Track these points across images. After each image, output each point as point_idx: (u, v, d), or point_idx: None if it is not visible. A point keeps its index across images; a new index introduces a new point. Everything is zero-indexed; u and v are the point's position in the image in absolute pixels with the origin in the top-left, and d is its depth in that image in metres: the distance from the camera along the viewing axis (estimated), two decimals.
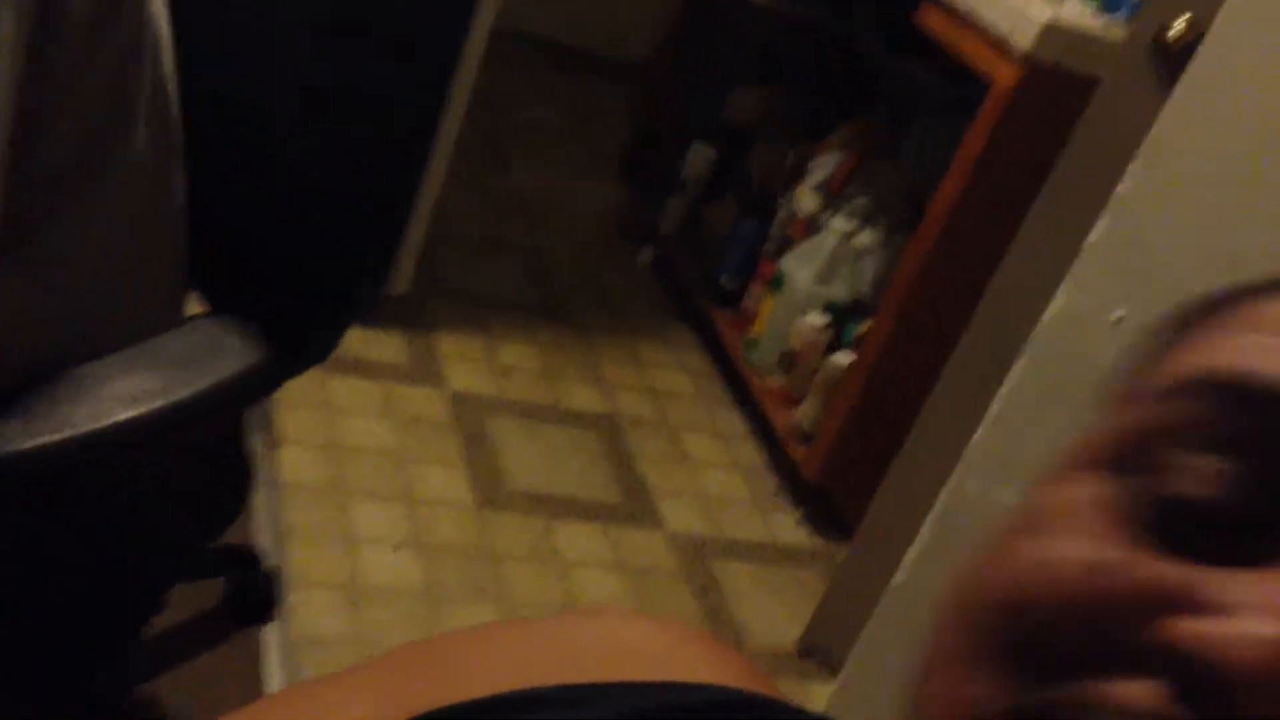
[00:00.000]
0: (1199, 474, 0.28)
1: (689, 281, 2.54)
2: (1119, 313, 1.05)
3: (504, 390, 2.15)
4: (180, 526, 1.14)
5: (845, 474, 2.03)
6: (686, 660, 0.46)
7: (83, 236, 0.86)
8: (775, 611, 1.90)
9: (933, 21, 1.95)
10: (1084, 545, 0.29)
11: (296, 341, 1.15)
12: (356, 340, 2.11)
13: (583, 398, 2.20)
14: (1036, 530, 0.30)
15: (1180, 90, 1.01)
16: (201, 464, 1.13)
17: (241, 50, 1.03)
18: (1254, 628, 0.25)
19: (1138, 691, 0.26)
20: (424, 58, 1.14)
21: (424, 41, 1.14)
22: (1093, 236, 1.09)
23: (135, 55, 0.83)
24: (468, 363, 2.18)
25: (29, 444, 0.81)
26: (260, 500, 1.74)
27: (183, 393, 0.87)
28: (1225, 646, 0.24)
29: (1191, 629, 0.25)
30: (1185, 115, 1.01)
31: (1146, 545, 0.28)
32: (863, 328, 2.12)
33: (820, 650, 1.81)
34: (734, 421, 2.30)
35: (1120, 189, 1.07)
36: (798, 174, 2.40)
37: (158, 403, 0.85)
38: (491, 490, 1.92)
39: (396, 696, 0.46)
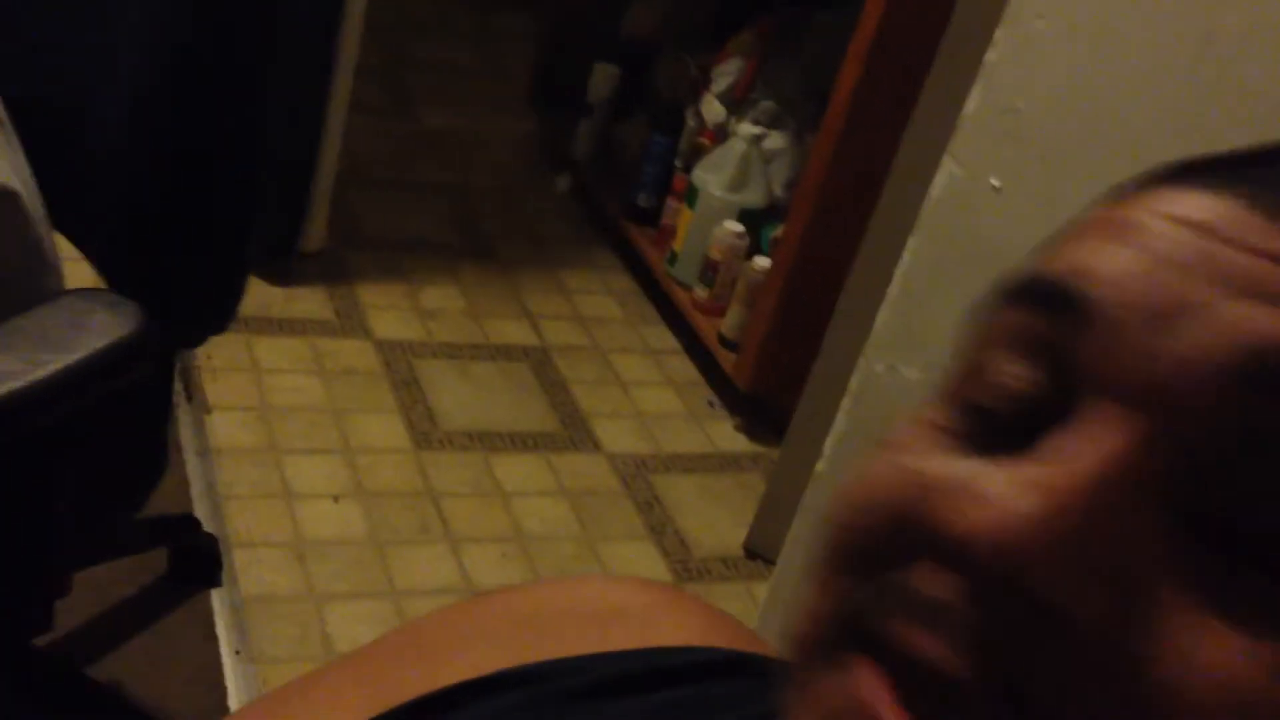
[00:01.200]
0: (998, 377, 0.29)
1: (607, 204, 2.54)
2: (996, 182, 1.07)
3: (432, 333, 2.15)
4: (83, 499, 1.13)
5: (775, 377, 2.05)
6: (671, 622, 0.46)
7: None
8: (719, 518, 1.93)
9: None
10: (905, 456, 0.30)
11: (190, 310, 1.15)
12: (279, 298, 2.10)
13: (511, 332, 2.21)
14: (880, 450, 0.31)
15: None
16: (106, 435, 1.13)
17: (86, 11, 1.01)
18: (1004, 506, 0.25)
19: (924, 578, 0.27)
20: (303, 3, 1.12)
21: None
22: (968, 107, 1.10)
23: None
24: (392, 310, 2.17)
25: None
26: (194, 467, 1.74)
27: (43, 372, 0.86)
28: (971, 527, 0.25)
29: (946, 515, 0.26)
30: None
31: (950, 451, 0.29)
32: (778, 231, 2.13)
33: (765, 551, 1.84)
34: (663, 338, 2.31)
35: (988, 56, 1.08)
36: (702, 83, 2.40)
37: (16, 384, 0.84)
38: (428, 432, 1.93)
39: (385, 687, 0.45)
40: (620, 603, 0.47)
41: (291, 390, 1.93)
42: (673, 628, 0.46)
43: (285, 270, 2.15)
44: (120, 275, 1.07)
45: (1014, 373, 0.29)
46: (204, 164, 1.07)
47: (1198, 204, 0.29)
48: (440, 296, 2.25)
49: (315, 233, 2.21)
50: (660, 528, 1.88)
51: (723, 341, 2.14)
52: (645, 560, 1.81)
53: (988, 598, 0.25)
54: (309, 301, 2.13)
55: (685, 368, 2.25)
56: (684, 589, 0.52)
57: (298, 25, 1.18)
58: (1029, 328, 0.29)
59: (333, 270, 2.21)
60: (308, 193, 2.14)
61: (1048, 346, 0.28)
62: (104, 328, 0.91)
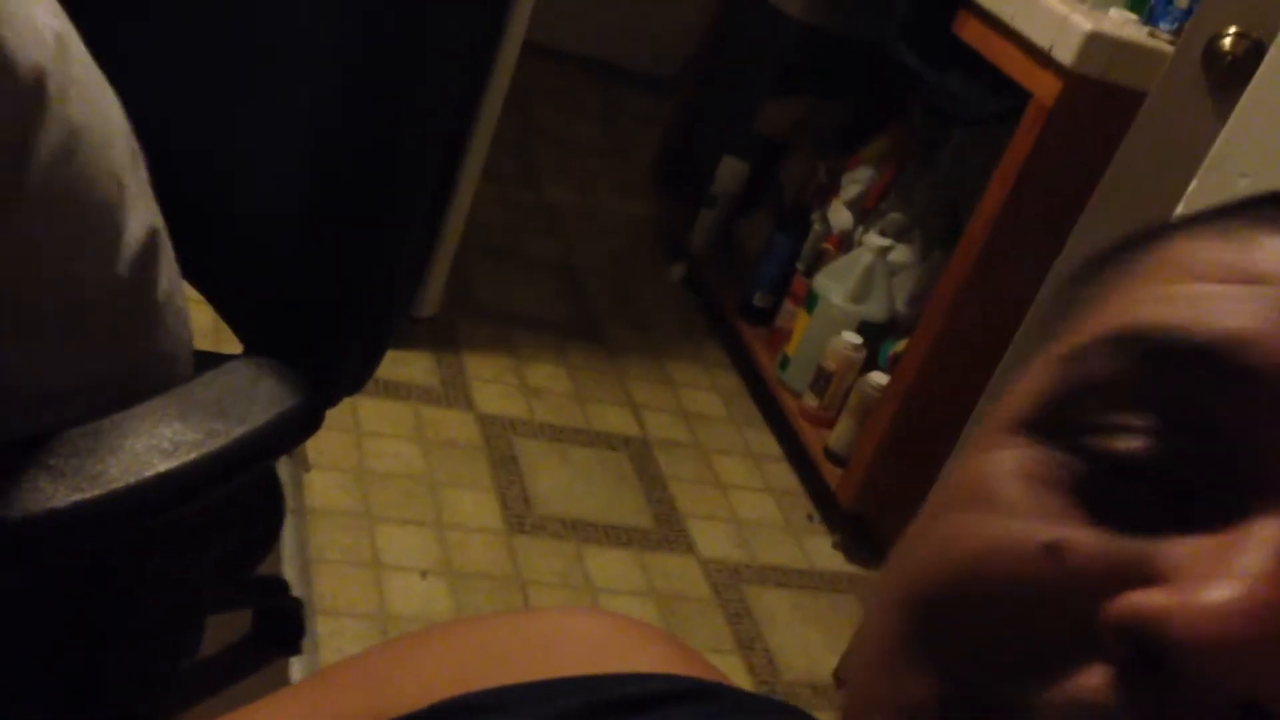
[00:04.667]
0: (1124, 434, 0.27)
1: (721, 298, 2.50)
2: None
3: (534, 411, 2.11)
4: (215, 565, 1.11)
5: (881, 498, 1.98)
6: (629, 651, 0.45)
7: None
8: (812, 640, 1.85)
9: (970, 32, 1.91)
10: (1015, 520, 0.27)
11: (332, 375, 1.12)
12: (386, 361, 2.07)
13: (613, 419, 2.17)
14: (962, 506, 0.29)
15: (1243, 107, 0.97)
16: (237, 500, 1.10)
17: (249, 79, 1.00)
18: (1206, 594, 0.23)
19: (1087, 682, 0.24)
20: (445, 76, 1.11)
21: (446, 59, 1.11)
22: None
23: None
24: (497, 384, 2.15)
25: (62, 502, 0.77)
26: (288, 527, 1.71)
27: (221, 442, 0.83)
28: (1177, 616, 0.23)
29: (1142, 602, 0.24)
30: (1247, 132, 0.96)
31: (1077, 516, 0.27)
32: (898, 347, 2.07)
33: None
34: (766, 443, 2.25)
35: (1180, 210, 1.02)
36: (831, 188, 2.36)
37: (195, 454, 0.81)
38: (522, 515, 1.88)
39: (325, 716, 0.44)
40: (574, 631, 0.46)
41: (391, 456, 1.90)
42: (628, 656, 0.44)
43: (397, 333, 2.13)
44: (266, 340, 1.05)
45: (1147, 432, 0.27)
46: (366, 223, 1.05)
47: None
48: (546, 374, 2.22)
49: (431, 297, 2.20)
50: (749, 643, 1.81)
51: (828, 454, 2.07)
52: (733, 677, 1.74)
53: (1192, 703, 0.23)
54: (416, 367, 2.11)
55: (786, 476, 2.19)
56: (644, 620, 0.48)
57: (444, 90, 1.17)
58: (1174, 390, 0.27)
59: (442, 337, 2.20)
60: (429, 257, 2.13)
61: (1201, 417, 0.26)
62: (276, 395, 0.89)
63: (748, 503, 2.09)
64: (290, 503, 1.75)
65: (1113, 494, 0.27)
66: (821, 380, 2.12)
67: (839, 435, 2.07)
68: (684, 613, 1.81)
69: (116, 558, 0.92)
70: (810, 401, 2.14)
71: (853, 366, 2.09)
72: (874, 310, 2.14)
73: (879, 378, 2.02)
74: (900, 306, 2.18)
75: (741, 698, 0.44)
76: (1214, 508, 0.25)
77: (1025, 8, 1.76)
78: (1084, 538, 0.26)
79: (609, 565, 1.85)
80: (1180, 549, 0.25)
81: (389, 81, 1.03)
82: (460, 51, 1.12)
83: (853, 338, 2.09)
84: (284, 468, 1.80)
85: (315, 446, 1.85)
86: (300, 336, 1.04)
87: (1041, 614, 0.26)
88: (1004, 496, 0.28)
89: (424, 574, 1.72)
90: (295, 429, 1.02)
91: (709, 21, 2.78)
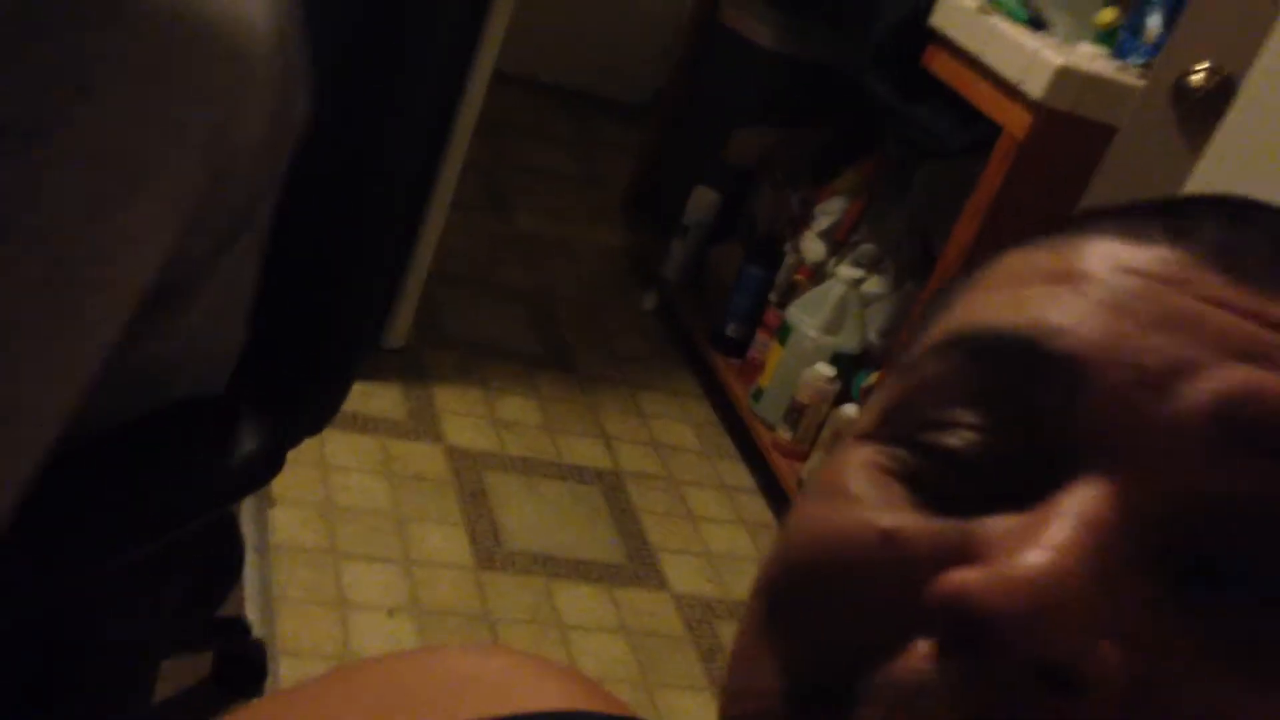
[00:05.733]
0: (954, 428, 0.28)
1: (693, 328, 2.48)
2: None
3: (504, 444, 2.09)
4: (170, 609, 1.08)
5: None
6: (535, 688, 0.44)
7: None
8: None
9: (940, 65, 1.91)
10: (855, 510, 0.28)
11: (292, 415, 1.10)
12: (354, 394, 2.03)
13: (585, 451, 2.14)
14: (812, 499, 0.30)
15: (1215, 144, 0.96)
16: (193, 544, 1.08)
17: None
18: (1012, 566, 0.25)
19: (908, 662, 0.26)
20: (418, 104, 1.09)
21: (416, 87, 1.09)
22: None
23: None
24: (467, 416, 2.12)
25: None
26: (250, 565, 1.68)
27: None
28: (985, 588, 0.24)
29: (957, 578, 0.25)
30: (1220, 170, 0.95)
31: (913, 505, 0.28)
32: (871, 379, 2.06)
33: None
34: (740, 476, 2.23)
35: None
36: (803, 219, 2.35)
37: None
38: (491, 550, 1.85)
39: None
40: (475, 671, 0.45)
41: (357, 490, 1.87)
42: (535, 693, 0.43)
43: (365, 365, 2.11)
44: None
45: (974, 425, 0.28)
46: (330, 256, 1.03)
47: (1148, 256, 0.29)
48: (516, 407, 2.19)
49: (400, 328, 2.18)
50: (723, 680, 1.78)
51: (802, 487, 2.06)
52: (706, 716, 1.71)
53: (999, 671, 0.24)
54: (384, 399, 2.08)
55: (760, 509, 2.17)
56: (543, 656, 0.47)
57: (413, 119, 1.15)
58: (995, 382, 0.28)
59: (411, 369, 2.17)
60: (396, 288, 2.11)
61: (1020, 404, 0.28)
62: (229, 439, 0.87)
63: (720, 536, 2.07)
64: (253, 540, 1.72)
65: (945, 484, 0.28)
66: (795, 413, 2.10)
67: (812, 468, 2.05)
68: (656, 649, 1.79)
69: (65, 604, 0.89)
70: (784, 434, 2.12)
71: (826, 399, 2.07)
72: (847, 341, 2.13)
73: (852, 410, 2.01)
74: (873, 337, 2.17)
75: None
76: (1032, 487, 0.27)
77: (995, 42, 1.76)
78: (918, 524, 0.27)
79: (579, 601, 1.82)
80: (996, 527, 0.26)
81: (354, 111, 1.01)
82: (429, 81, 1.10)
83: (826, 370, 2.08)
84: (247, 504, 1.76)
85: (280, 481, 1.81)
86: (258, 375, 1.02)
87: (874, 598, 0.27)
88: (848, 488, 0.29)
89: (391, 612, 1.69)
90: (254, 474, 1.00)
91: (681, 51, 2.78)
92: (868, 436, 0.31)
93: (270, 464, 1.06)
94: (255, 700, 0.45)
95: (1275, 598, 0.26)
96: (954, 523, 0.27)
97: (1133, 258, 0.29)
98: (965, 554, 0.26)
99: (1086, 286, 0.29)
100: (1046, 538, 0.25)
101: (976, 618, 0.24)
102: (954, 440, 0.28)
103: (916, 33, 1.93)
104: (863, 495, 0.29)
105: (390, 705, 0.43)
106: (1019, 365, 0.28)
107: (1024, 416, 0.28)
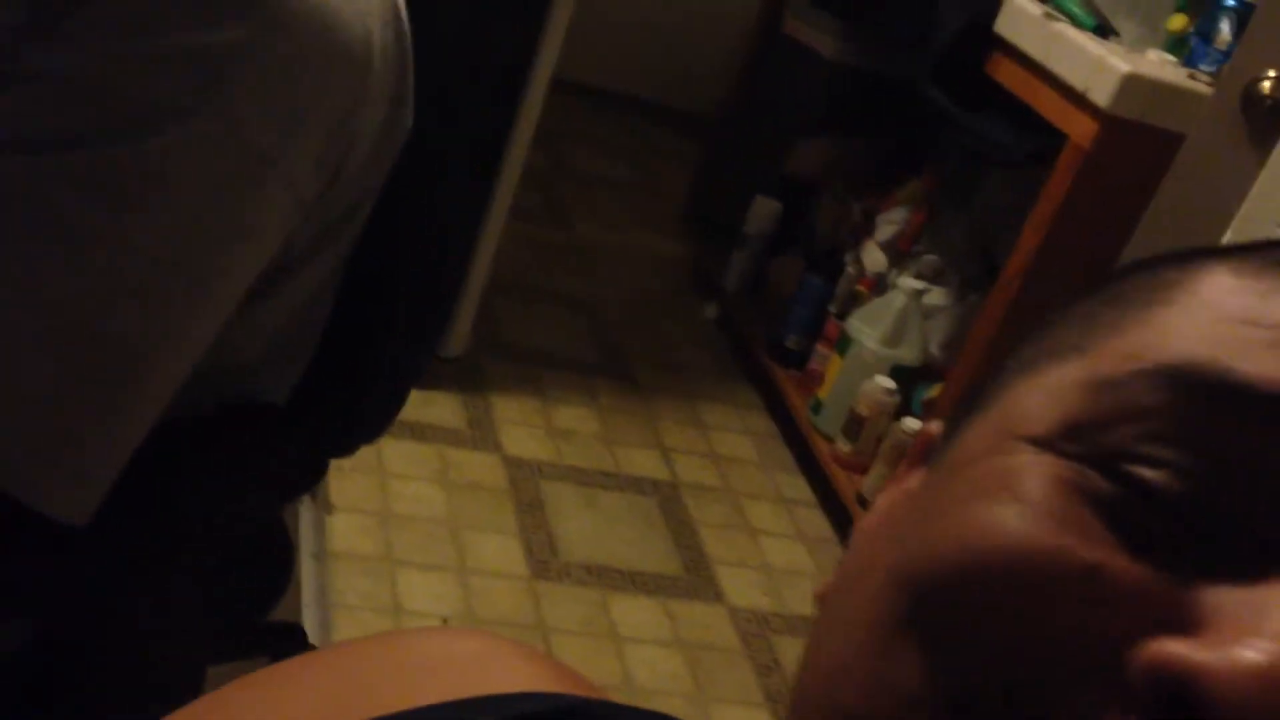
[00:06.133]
0: (1161, 466, 0.26)
1: (753, 339, 2.47)
2: None
3: (561, 454, 2.09)
4: (218, 610, 1.09)
5: None
6: (507, 671, 0.43)
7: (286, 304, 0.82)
8: None
9: (1004, 73, 1.88)
10: (1049, 529, 0.26)
11: (349, 424, 1.10)
12: (414, 401, 2.05)
13: (642, 462, 2.14)
14: (989, 498, 0.28)
15: (1278, 153, 0.93)
16: (241, 545, 1.08)
17: None
18: (1243, 653, 0.23)
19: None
20: (477, 110, 1.10)
21: (477, 93, 1.09)
22: None
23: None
24: (524, 425, 2.12)
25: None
26: (307, 572, 1.69)
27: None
28: (1215, 674, 0.23)
29: (1179, 652, 0.23)
30: None
31: (1113, 541, 0.26)
32: (932, 392, 2.03)
33: None
34: (798, 488, 2.21)
35: None
36: (865, 229, 2.33)
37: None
38: (546, 561, 1.85)
39: None
40: (448, 653, 0.44)
41: (414, 499, 1.88)
42: (506, 676, 0.42)
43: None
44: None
45: (1186, 469, 0.26)
46: (390, 264, 1.03)
47: None
48: (574, 416, 2.19)
49: (458, 337, 2.19)
50: (779, 696, 1.77)
51: (861, 501, 2.03)
52: None
53: None
54: (443, 408, 2.09)
55: (819, 523, 2.14)
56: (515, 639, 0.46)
57: (471, 129, 1.16)
58: (1222, 432, 0.26)
59: (469, 377, 2.18)
60: (455, 298, 2.12)
61: (1248, 463, 0.26)
62: (281, 446, 0.87)
63: (778, 549, 2.05)
64: (311, 546, 1.73)
65: (1147, 524, 0.26)
66: (854, 425, 2.08)
67: (872, 482, 2.03)
68: (711, 663, 1.77)
69: (109, 600, 0.90)
70: (843, 447, 2.10)
71: (886, 411, 2.05)
72: (908, 354, 2.10)
73: (912, 423, 1.98)
74: (934, 350, 2.14)
75: (627, 712, 0.42)
76: (1250, 557, 0.25)
77: (1060, 49, 1.73)
78: (1123, 567, 0.26)
79: (635, 613, 1.81)
80: (1216, 598, 0.25)
81: (414, 117, 1.01)
82: (487, 87, 1.10)
83: (886, 382, 2.05)
84: (306, 510, 1.78)
85: (338, 489, 1.83)
86: (316, 382, 1.02)
87: (1062, 629, 0.25)
88: (1037, 501, 0.27)
89: (445, 620, 1.69)
90: (299, 481, 1.00)
91: (743, 60, 2.77)
92: (1046, 445, 0.28)
93: (315, 472, 1.06)
94: (225, 686, 0.45)
95: None
96: (1163, 576, 0.26)
97: None
98: (1179, 619, 0.25)
99: None
100: (1276, 624, 0.24)
101: (1199, 699, 0.23)
102: (1161, 478, 0.26)
103: (979, 41, 1.90)
104: (1057, 515, 0.27)
105: (354, 693, 0.42)
106: (1245, 418, 0.26)
107: (1250, 476, 0.26)
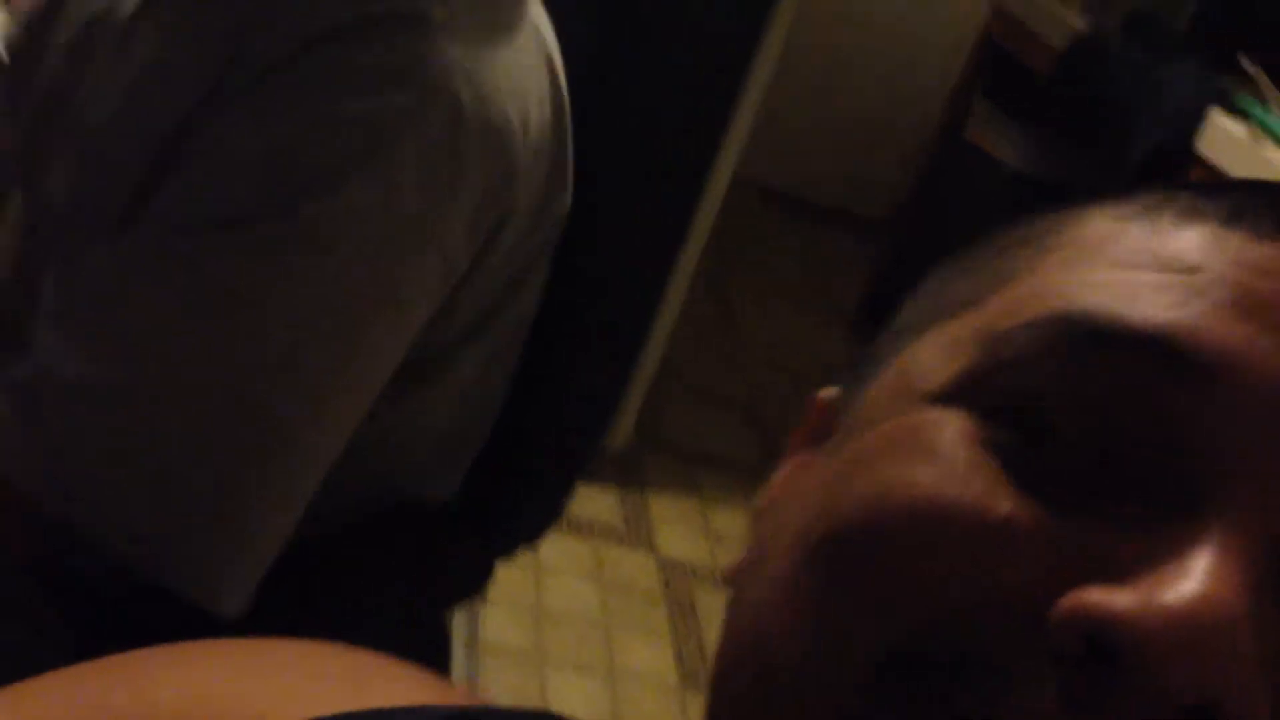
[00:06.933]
0: (1060, 414, 0.27)
1: None
2: None
3: (717, 558, 2.04)
4: None
5: None
6: (380, 683, 0.41)
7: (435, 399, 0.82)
8: None
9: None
10: (957, 484, 0.26)
11: (509, 526, 1.09)
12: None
13: None
14: (896, 458, 0.28)
15: None
16: (398, 631, 1.07)
17: None
18: (1167, 596, 0.23)
19: (1036, 704, 0.24)
20: (655, 206, 1.08)
21: (656, 191, 1.08)
22: None
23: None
24: (681, 525, 2.09)
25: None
26: (459, 661, 1.68)
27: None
28: (1138, 618, 0.23)
29: (1102, 600, 0.24)
30: None
31: (1024, 491, 0.26)
32: None
33: None
34: None
35: None
36: None
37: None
38: (697, 671, 1.80)
39: None
40: (326, 664, 0.43)
41: (567, 595, 1.86)
42: (383, 687, 0.41)
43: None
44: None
45: (1089, 416, 0.26)
46: (562, 359, 1.02)
47: (1265, 255, 0.28)
48: (731, 520, 2.15)
49: (620, 431, 2.17)
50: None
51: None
52: None
53: (1138, 704, 0.23)
54: (600, 503, 2.07)
55: None
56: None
57: (647, 224, 1.15)
58: (1120, 379, 0.27)
59: (628, 472, 2.16)
60: (622, 397, 2.11)
61: (1150, 408, 0.26)
62: (442, 549, 0.86)
63: None
64: (463, 636, 1.72)
65: (1053, 473, 0.26)
66: None
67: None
68: None
69: None
70: None
71: None
72: None
73: None
74: None
75: (509, 715, 0.41)
76: (1164, 502, 0.25)
77: (1268, 173, 1.65)
78: (1033, 517, 0.26)
79: None
80: (1129, 543, 0.25)
81: (591, 211, 1.00)
82: (667, 185, 1.09)
83: None
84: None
85: (493, 580, 1.82)
86: (477, 482, 1.01)
87: (984, 585, 0.25)
88: (946, 456, 0.27)
89: None
90: (462, 585, 0.98)
91: (922, 166, 2.73)
92: (947, 400, 0.29)
93: (482, 575, 1.04)
94: (52, 674, 0.42)
95: None
96: (1073, 523, 0.26)
97: (1251, 255, 0.28)
98: (1093, 567, 0.25)
99: (1208, 284, 0.28)
100: (1196, 566, 0.24)
101: (1127, 646, 0.23)
102: (1062, 426, 0.27)
103: (1180, 156, 1.83)
104: (965, 470, 0.27)
105: (228, 697, 0.39)
106: (1150, 366, 0.27)
107: (1155, 423, 0.26)
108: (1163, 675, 0.23)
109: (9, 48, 0.96)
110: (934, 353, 0.30)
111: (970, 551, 0.26)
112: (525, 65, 0.70)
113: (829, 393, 0.37)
